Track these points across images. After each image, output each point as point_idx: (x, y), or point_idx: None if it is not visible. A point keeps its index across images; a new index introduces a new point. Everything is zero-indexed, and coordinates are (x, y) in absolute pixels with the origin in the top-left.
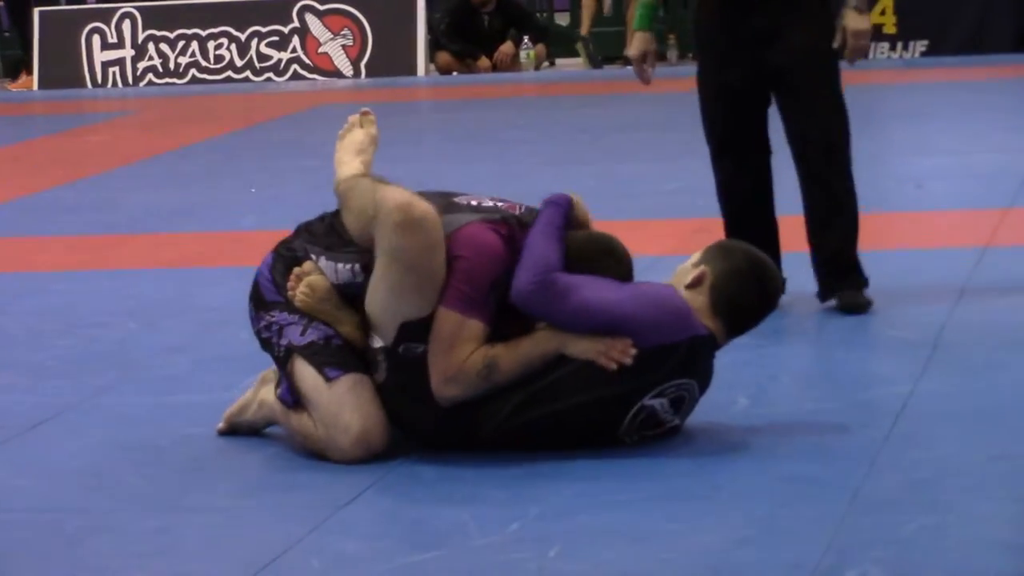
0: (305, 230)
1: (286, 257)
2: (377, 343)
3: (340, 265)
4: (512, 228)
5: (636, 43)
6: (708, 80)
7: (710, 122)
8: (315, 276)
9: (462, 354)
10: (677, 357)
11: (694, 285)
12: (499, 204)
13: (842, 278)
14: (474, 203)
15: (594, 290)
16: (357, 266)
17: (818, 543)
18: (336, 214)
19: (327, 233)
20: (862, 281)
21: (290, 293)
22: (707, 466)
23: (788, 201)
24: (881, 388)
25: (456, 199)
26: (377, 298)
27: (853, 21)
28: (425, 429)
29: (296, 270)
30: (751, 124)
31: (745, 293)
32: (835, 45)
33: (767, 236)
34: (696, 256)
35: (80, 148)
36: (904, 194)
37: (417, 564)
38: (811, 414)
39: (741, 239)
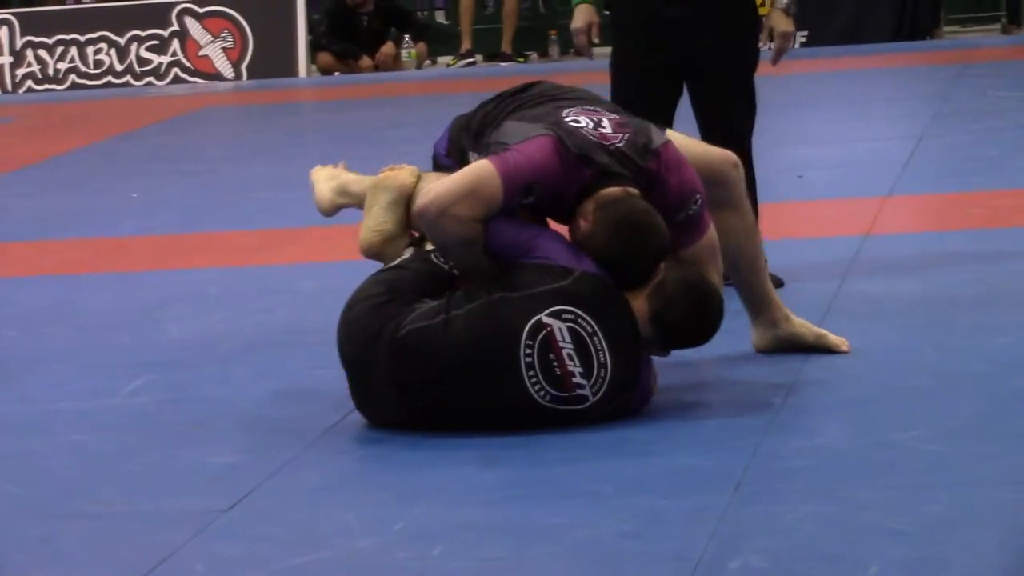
0: (464, 126)
1: (455, 144)
2: None
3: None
4: (576, 157)
5: (579, 14)
6: (624, 65)
7: (623, 107)
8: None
9: (467, 207)
10: (562, 280)
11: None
12: (602, 129)
13: None
14: (567, 119)
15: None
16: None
17: (702, 534)
18: (487, 107)
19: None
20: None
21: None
22: (589, 460)
23: None
24: (763, 377)
25: (563, 115)
26: None
27: (781, 23)
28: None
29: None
30: (662, 111)
31: (684, 298)
32: (761, 45)
33: None
34: None
35: None
36: (785, 184)
37: (301, 567)
38: (693, 406)
39: None
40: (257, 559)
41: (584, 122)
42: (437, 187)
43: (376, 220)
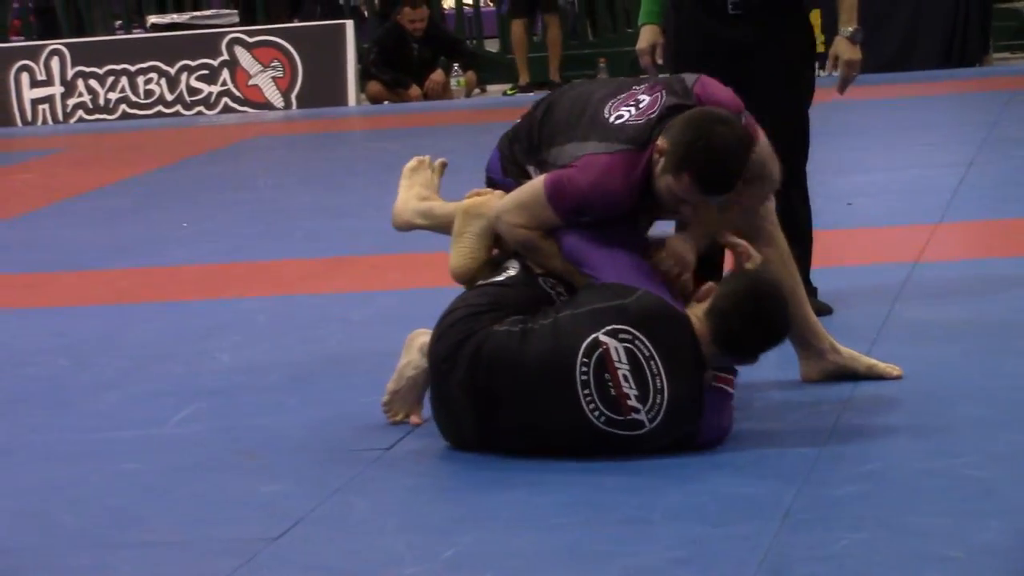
0: (513, 138)
1: (509, 159)
2: None
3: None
4: (633, 151)
5: (644, 35)
6: None
7: None
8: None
9: (521, 218)
10: (624, 299)
11: (699, 299)
12: (642, 106)
13: None
14: (612, 120)
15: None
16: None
17: (751, 561)
18: (533, 117)
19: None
20: (814, 289)
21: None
22: (641, 486)
23: None
24: (812, 404)
25: (604, 114)
26: None
27: (846, 51)
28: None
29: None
30: None
31: (738, 308)
32: (825, 73)
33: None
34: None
35: (10, 186)
36: (834, 212)
37: None
38: (742, 433)
39: None
40: None
41: (625, 113)
42: (505, 198)
43: (470, 248)
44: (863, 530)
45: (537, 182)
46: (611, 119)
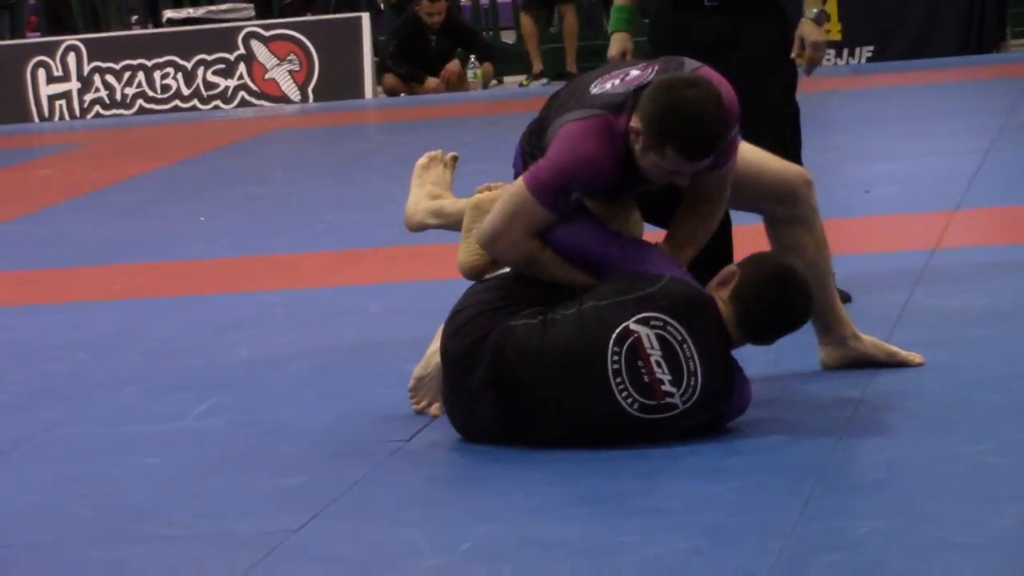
0: (528, 132)
1: (528, 153)
2: None
3: None
4: (610, 117)
5: (614, 43)
6: None
7: None
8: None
9: (515, 230)
10: (650, 287)
11: (721, 283)
12: (629, 78)
13: None
14: (595, 91)
15: (592, 233)
16: None
17: (770, 550)
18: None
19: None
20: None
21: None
22: (657, 477)
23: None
24: (831, 393)
25: (589, 88)
26: None
27: (811, 32)
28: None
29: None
30: None
31: (762, 294)
32: (792, 55)
33: (719, 241)
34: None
35: (28, 182)
36: (852, 199)
37: None
38: (761, 422)
39: None
40: None
41: (610, 84)
42: (488, 218)
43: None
44: (882, 518)
45: (512, 188)
46: (593, 90)
